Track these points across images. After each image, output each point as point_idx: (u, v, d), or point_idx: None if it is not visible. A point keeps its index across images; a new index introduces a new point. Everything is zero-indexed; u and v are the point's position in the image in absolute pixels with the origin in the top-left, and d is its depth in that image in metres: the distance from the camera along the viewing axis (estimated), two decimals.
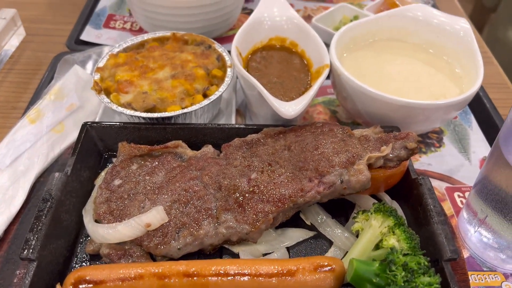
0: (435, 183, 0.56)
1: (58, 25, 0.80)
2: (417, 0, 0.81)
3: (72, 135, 0.56)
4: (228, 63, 0.60)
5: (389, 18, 0.65)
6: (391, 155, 0.47)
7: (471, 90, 0.54)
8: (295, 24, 0.65)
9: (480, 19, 2.45)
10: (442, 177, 0.57)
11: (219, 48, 0.63)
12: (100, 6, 0.83)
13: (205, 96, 0.57)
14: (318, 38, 0.61)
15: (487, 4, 2.12)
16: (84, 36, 0.75)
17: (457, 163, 0.59)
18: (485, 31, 2.60)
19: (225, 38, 0.78)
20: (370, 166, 0.47)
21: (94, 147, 0.53)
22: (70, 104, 0.58)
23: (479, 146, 0.61)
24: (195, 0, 0.66)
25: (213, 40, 0.64)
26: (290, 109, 0.50)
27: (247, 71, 0.62)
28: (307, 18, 0.85)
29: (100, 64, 0.59)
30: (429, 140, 0.62)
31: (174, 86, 0.55)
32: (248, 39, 0.64)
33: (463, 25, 0.62)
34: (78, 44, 0.73)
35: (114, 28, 0.78)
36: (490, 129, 0.63)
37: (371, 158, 0.46)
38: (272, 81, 0.61)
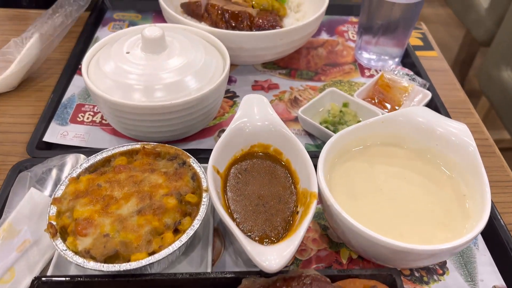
0: None
1: (22, 118, 0.73)
2: (411, 82, 0.76)
3: (24, 283, 0.49)
4: (204, 185, 0.53)
5: (382, 123, 0.59)
6: None
7: (480, 224, 0.47)
8: (279, 132, 0.58)
9: (471, 53, 2.42)
10: None
11: (194, 164, 0.56)
12: (68, 93, 0.76)
13: (176, 231, 0.50)
14: (304, 152, 0.55)
15: (479, 38, 2.09)
16: (47, 137, 0.68)
17: None
18: (475, 65, 2.58)
19: (205, 130, 0.72)
20: None
21: None
22: (23, 241, 0.50)
23: (488, 272, 0.54)
24: (169, 105, 0.59)
25: (188, 154, 0.57)
26: (273, 261, 0.43)
27: (226, 191, 0.55)
28: (294, 101, 0.79)
29: (58, 193, 0.52)
30: (431, 266, 0.55)
31: (140, 224, 0.48)
32: (227, 150, 0.58)
33: (463, 134, 0.56)
34: (40, 149, 0.65)
35: (82, 122, 0.71)
36: (498, 248, 0.57)
37: None
38: (254, 203, 0.54)
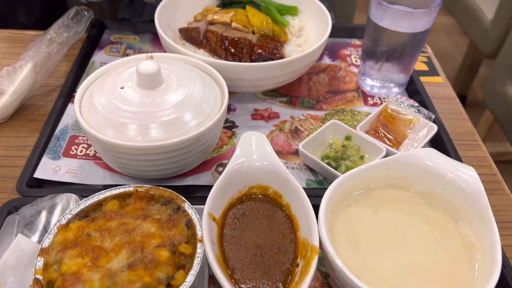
0: None
1: (13, 150, 0.71)
2: (416, 114, 0.73)
3: None
4: (199, 234, 0.51)
5: (387, 165, 0.57)
6: None
7: (490, 282, 0.45)
8: (278, 173, 0.56)
9: (475, 62, 2.39)
10: None
11: (189, 209, 0.53)
12: (61, 124, 0.74)
13: (169, 285, 0.48)
14: (305, 198, 0.52)
15: (484, 51, 2.06)
16: (39, 173, 0.65)
17: None
18: (479, 75, 2.54)
19: (202, 164, 0.69)
20: None
21: None
22: None
23: None
24: (165, 146, 0.57)
25: (183, 198, 0.54)
26: None
27: (222, 240, 0.53)
28: (294, 132, 0.76)
29: (46, 243, 0.49)
30: None
31: (131, 280, 0.46)
32: (225, 194, 0.55)
33: (472, 181, 0.54)
34: (30, 187, 0.63)
35: (75, 156, 0.69)
36: None
37: None
38: (251, 253, 0.51)
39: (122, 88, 0.62)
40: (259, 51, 0.77)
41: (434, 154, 0.56)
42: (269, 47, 0.78)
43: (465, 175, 0.54)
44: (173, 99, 0.61)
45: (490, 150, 2.27)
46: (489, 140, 2.02)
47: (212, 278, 0.56)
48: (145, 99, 0.60)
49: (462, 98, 2.46)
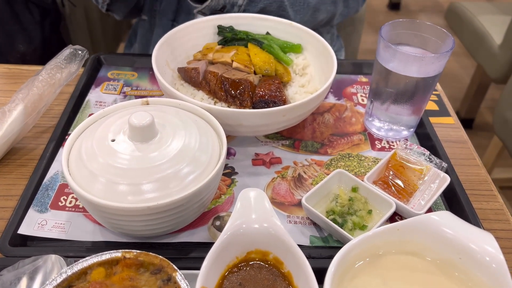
0: None
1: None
2: (427, 163, 0.69)
3: None
4: None
5: (398, 230, 0.52)
6: None
7: None
8: (279, 238, 0.51)
9: (482, 85, 2.34)
10: None
11: (181, 281, 0.49)
12: (51, 171, 0.70)
13: None
14: (309, 271, 0.48)
15: (492, 75, 2.02)
16: (23, 229, 0.61)
17: None
18: (487, 97, 2.49)
19: (199, 218, 0.65)
20: None
21: None
22: None
23: None
24: (157, 206, 0.53)
25: (174, 267, 0.50)
26: None
27: None
28: (297, 180, 0.72)
29: None
30: None
31: None
32: (220, 262, 0.51)
33: (491, 249, 0.49)
34: (13, 245, 0.59)
35: (64, 208, 0.65)
36: None
37: None
38: None
39: (113, 140, 0.58)
40: (261, 93, 0.73)
41: (451, 219, 0.52)
42: (271, 89, 0.74)
43: (483, 243, 0.49)
44: (167, 153, 0.57)
45: (499, 176, 2.20)
46: (499, 165, 1.96)
47: None
48: (137, 153, 0.56)
49: (470, 121, 2.41)
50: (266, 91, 0.74)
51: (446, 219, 0.52)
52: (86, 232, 0.62)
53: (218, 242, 0.50)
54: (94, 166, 0.56)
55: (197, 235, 0.63)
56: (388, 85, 0.75)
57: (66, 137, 0.76)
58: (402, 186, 0.68)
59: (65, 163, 0.57)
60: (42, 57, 1.30)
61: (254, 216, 0.53)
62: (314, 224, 0.65)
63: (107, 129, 0.59)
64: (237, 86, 0.74)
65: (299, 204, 0.68)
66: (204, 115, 0.66)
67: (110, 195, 0.54)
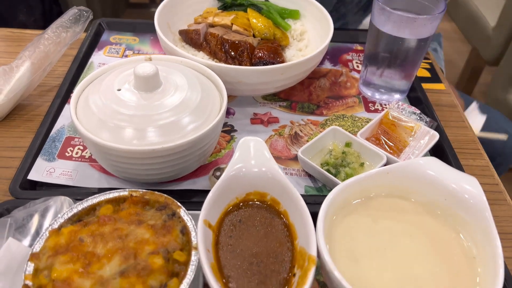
0: None
1: (7, 151, 0.70)
2: (418, 121, 0.72)
3: None
4: (194, 241, 0.50)
5: (388, 174, 0.55)
6: None
7: None
8: (277, 180, 0.55)
9: (476, 69, 2.37)
10: None
11: (185, 216, 0.52)
12: (57, 125, 0.72)
13: None
14: (304, 207, 0.51)
15: (486, 58, 2.05)
16: (32, 175, 0.64)
17: None
18: (481, 82, 2.53)
19: (200, 168, 0.68)
20: None
21: None
22: None
23: None
24: (161, 150, 0.56)
25: (178, 204, 0.53)
26: None
27: (218, 247, 0.52)
28: (294, 137, 0.75)
29: (37, 248, 0.48)
30: None
31: None
32: (221, 200, 0.54)
33: (475, 191, 0.52)
34: (23, 189, 0.62)
35: (70, 158, 0.68)
36: None
37: None
38: (247, 262, 0.50)
39: (119, 90, 0.61)
40: (260, 54, 0.76)
41: (436, 163, 0.55)
42: (270, 50, 0.77)
43: (468, 186, 0.53)
44: (170, 102, 0.60)
45: None
46: None
47: (207, 287, 0.55)
48: (142, 102, 0.59)
49: None
50: (265, 52, 0.76)
51: (433, 164, 0.55)
52: (92, 179, 0.65)
53: (219, 182, 0.53)
54: (100, 113, 0.58)
55: (199, 184, 0.66)
56: (382, 49, 0.78)
57: (71, 94, 0.78)
58: (393, 142, 0.71)
59: (73, 111, 0.60)
60: (43, 28, 1.31)
61: (254, 161, 0.56)
62: (309, 176, 0.69)
63: (113, 80, 0.62)
64: (237, 48, 0.77)
65: (295, 158, 0.71)
66: (205, 71, 0.69)
67: (117, 140, 0.57)
